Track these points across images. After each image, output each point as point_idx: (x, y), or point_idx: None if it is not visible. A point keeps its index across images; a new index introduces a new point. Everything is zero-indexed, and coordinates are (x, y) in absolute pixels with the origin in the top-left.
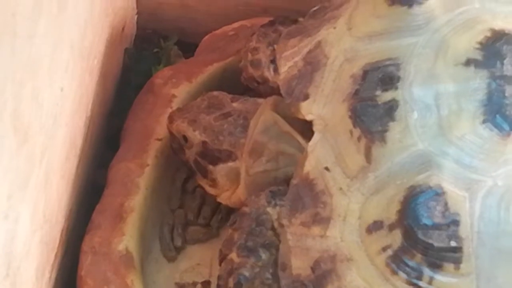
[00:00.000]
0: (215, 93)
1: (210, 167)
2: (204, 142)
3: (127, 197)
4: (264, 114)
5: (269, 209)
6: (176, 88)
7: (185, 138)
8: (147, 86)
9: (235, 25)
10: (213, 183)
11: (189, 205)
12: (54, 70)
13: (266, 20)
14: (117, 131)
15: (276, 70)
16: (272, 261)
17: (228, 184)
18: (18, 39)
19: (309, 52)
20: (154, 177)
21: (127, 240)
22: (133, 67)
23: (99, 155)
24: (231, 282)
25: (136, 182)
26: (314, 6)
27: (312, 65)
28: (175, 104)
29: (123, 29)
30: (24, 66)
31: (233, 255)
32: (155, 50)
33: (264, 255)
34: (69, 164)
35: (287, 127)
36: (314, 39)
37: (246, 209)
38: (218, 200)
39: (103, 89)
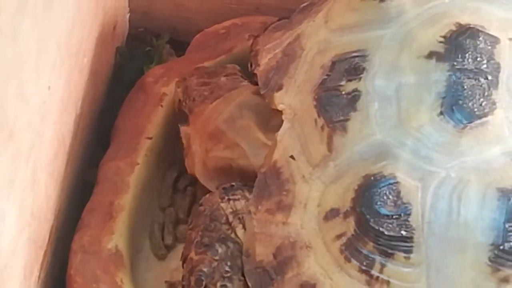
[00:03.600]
0: (230, 66)
1: (180, 126)
2: (179, 101)
3: (116, 196)
4: (242, 97)
5: (222, 205)
6: (166, 86)
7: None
8: (138, 84)
9: (226, 23)
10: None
11: (179, 203)
12: (40, 68)
13: (257, 18)
14: (108, 129)
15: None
16: (229, 254)
17: (186, 150)
18: (1, 37)
19: (289, 44)
20: (144, 175)
21: (117, 238)
22: (125, 66)
23: (89, 153)
24: (192, 280)
25: (126, 181)
26: (305, 3)
27: (289, 56)
28: (165, 103)
29: (114, 27)
30: (8, 63)
31: (192, 254)
32: (147, 48)
33: (220, 249)
34: (58, 162)
35: (250, 123)
36: (295, 32)
37: (201, 208)
38: (185, 164)
39: (93, 87)
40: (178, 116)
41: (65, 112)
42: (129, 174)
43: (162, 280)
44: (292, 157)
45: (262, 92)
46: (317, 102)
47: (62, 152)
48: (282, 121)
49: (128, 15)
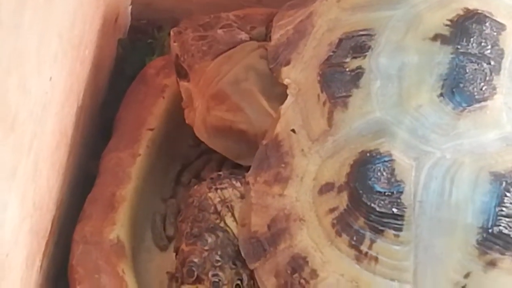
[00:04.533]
0: (224, 14)
1: (178, 80)
2: (176, 55)
3: (118, 187)
4: (249, 59)
5: (210, 194)
6: (168, 78)
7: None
8: (139, 76)
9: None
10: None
11: (181, 195)
12: (42, 60)
13: (259, 10)
14: (110, 121)
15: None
16: (219, 243)
17: (185, 101)
18: (2, 29)
19: (300, 21)
20: (146, 167)
21: (118, 229)
22: (127, 58)
23: (91, 145)
24: (184, 271)
25: (128, 172)
26: None
27: (300, 33)
28: (167, 94)
29: (116, 20)
30: (9, 55)
31: (183, 245)
32: (149, 40)
33: (210, 239)
34: (60, 153)
35: (255, 89)
36: (307, 10)
37: (190, 199)
38: (185, 117)
39: (95, 79)
40: (176, 70)
41: (66, 103)
42: (130, 165)
43: (163, 271)
44: (293, 130)
45: (270, 67)
46: (321, 77)
47: (64, 143)
48: (287, 90)
49: (130, 7)
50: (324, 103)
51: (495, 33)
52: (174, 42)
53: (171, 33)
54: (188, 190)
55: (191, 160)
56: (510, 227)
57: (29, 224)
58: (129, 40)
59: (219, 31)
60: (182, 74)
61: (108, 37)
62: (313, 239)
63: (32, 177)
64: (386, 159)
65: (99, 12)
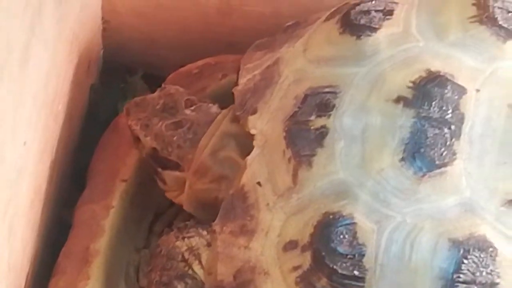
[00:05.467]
0: (173, 89)
1: (160, 169)
2: (154, 149)
3: (92, 240)
4: (222, 127)
5: (178, 243)
6: None
7: (138, 138)
8: (112, 125)
9: (200, 63)
10: (163, 182)
11: (155, 245)
12: (17, 126)
13: (230, 57)
14: (83, 167)
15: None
16: None
17: (175, 186)
18: None
19: (267, 67)
20: (119, 218)
21: (93, 283)
22: (99, 103)
23: (64, 193)
24: None
25: (102, 225)
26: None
27: (266, 80)
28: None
29: (88, 66)
30: None
31: None
32: (121, 85)
33: (179, 286)
34: (34, 210)
35: (233, 153)
36: (275, 55)
37: (158, 249)
38: (166, 195)
39: (68, 129)
40: (159, 163)
41: (40, 162)
42: (104, 218)
43: None
44: (259, 183)
45: (237, 113)
46: (287, 133)
47: (38, 200)
48: (253, 142)
49: (101, 51)
50: (289, 160)
51: (456, 97)
52: (146, 136)
53: (134, 124)
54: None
55: (164, 209)
56: None
57: (4, 286)
58: (101, 84)
59: (189, 112)
60: (171, 166)
61: (80, 85)
62: None
63: (7, 240)
64: (349, 221)
65: (72, 65)
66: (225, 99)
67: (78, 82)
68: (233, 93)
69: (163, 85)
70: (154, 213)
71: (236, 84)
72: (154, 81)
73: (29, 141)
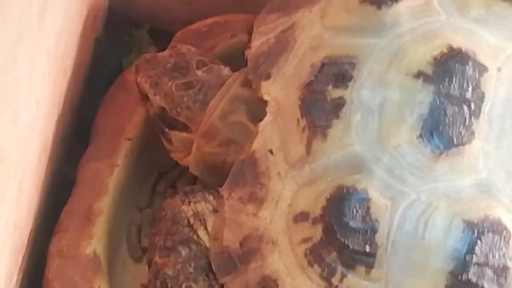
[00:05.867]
0: (184, 48)
1: (167, 129)
2: (163, 108)
3: (96, 199)
4: (232, 90)
5: (183, 208)
6: None
7: (147, 96)
8: (118, 81)
9: (209, 21)
10: (169, 142)
11: (157, 204)
12: (31, 86)
13: (240, 16)
14: (87, 123)
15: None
16: (193, 255)
17: (181, 147)
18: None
19: (283, 31)
20: (123, 177)
21: (95, 243)
22: (104, 57)
23: (68, 149)
24: (158, 284)
25: (105, 183)
26: None
27: (281, 45)
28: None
29: (95, 19)
30: (4, 92)
31: (156, 258)
32: (127, 39)
33: (183, 251)
34: (41, 166)
35: (244, 118)
36: (290, 19)
37: (163, 212)
38: (171, 156)
39: (74, 84)
40: (167, 123)
41: (49, 117)
42: (108, 176)
43: (138, 283)
44: (270, 151)
45: (250, 77)
46: (302, 102)
47: (45, 156)
48: (266, 108)
49: (107, 2)
50: (303, 129)
51: (477, 75)
52: (155, 95)
53: (143, 81)
54: (164, 200)
55: (168, 169)
56: (478, 276)
57: (10, 245)
58: (106, 37)
59: (200, 74)
60: (179, 127)
61: (87, 38)
62: (285, 264)
63: (16, 199)
64: (363, 196)
65: (81, 18)
66: (233, 59)
67: (85, 35)
68: (242, 54)
69: (172, 43)
70: (158, 173)
71: (247, 45)
72: (160, 36)
73: (41, 100)
